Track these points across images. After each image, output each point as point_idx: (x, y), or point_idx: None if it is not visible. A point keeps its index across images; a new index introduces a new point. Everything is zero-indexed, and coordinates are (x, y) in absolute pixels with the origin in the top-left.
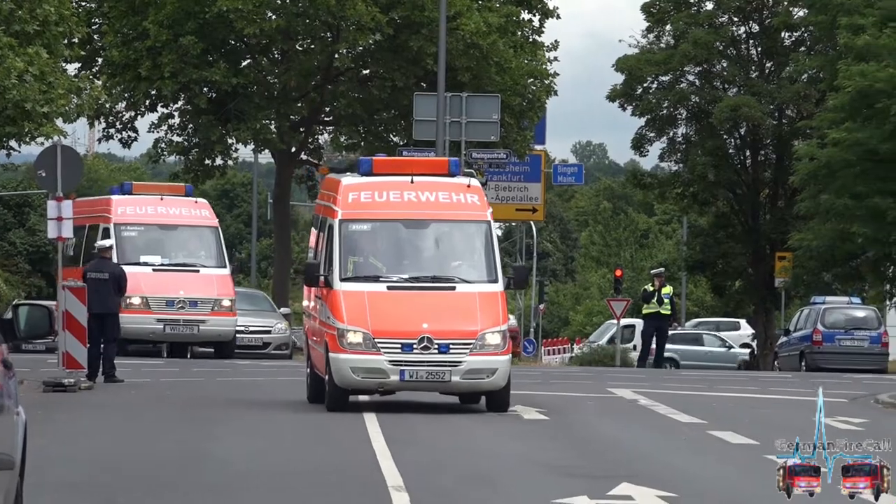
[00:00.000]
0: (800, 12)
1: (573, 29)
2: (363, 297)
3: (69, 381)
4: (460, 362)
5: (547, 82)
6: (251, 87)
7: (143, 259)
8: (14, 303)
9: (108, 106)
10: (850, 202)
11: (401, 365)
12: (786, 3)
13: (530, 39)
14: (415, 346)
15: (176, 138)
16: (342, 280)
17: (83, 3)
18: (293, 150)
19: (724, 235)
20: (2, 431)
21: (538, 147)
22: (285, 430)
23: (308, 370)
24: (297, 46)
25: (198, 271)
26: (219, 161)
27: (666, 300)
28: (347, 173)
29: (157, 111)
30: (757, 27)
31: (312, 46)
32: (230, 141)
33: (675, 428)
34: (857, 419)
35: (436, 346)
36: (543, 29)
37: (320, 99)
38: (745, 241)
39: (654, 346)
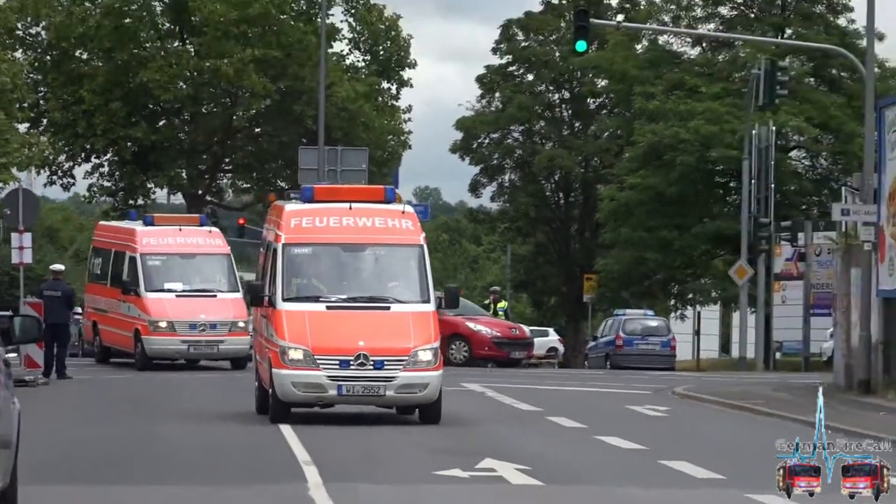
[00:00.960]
0: (602, 82)
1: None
2: (304, 317)
3: (29, 378)
4: (394, 377)
5: (402, 138)
6: (166, 143)
7: (166, 286)
8: (8, 314)
9: (51, 157)
10: (643, 234)
11: (339, 380)
12: (591, 74)
13: (389, 104)
14: (352, 362)
15: (105, 183)
16: (285, 300)
17: (31, 75)
18: (200, 192)
19: (542, 261)
20: (3, 418)
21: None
22: (213, 417)
23: (256, 383)
24: (203, 109)
25: (215, 296)
26: (140, 202)
27: (501, 313)
28: (291, 200)
29: (90, 161)
30: (568, 94)
31: (215, 109)
32: (149, 185)
33: (520, 414)
34: (662, 407)
35: (371, 363)
36: (400, 96)
37: (222, 151)
38: (559, 265)
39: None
